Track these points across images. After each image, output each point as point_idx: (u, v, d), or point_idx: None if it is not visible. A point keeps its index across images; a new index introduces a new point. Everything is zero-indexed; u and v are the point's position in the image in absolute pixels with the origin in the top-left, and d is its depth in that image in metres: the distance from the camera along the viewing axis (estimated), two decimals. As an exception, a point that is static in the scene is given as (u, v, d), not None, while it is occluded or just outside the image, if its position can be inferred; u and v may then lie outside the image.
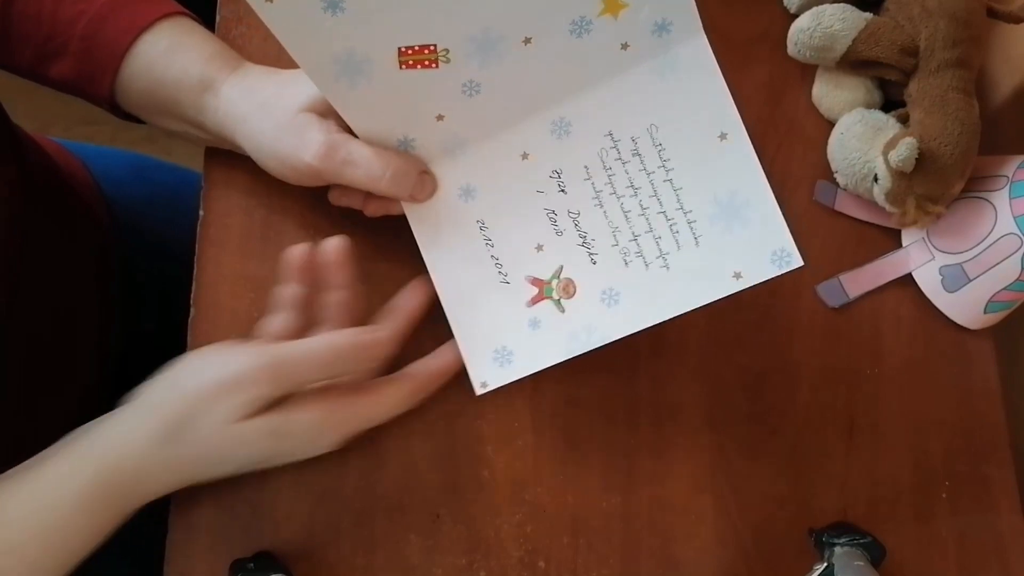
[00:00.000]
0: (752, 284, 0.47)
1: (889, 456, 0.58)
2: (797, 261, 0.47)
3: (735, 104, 0.47)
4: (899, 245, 0.61)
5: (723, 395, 0.58)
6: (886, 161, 0.55)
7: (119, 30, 0.50)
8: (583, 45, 0.47)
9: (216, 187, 0.57)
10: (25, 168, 0.59)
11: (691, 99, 0.48)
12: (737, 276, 0.47)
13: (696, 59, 0.48)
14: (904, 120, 0.59)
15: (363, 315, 0.50)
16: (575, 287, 0.50)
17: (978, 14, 0.58)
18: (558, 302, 0.50)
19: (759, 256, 0.47)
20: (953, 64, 0.57)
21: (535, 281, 0.51)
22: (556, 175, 0.50)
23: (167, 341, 0.54)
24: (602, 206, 0.50)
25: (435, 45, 0.46)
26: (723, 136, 0.48)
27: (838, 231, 0.61)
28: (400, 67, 0.46)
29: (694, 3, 0.46)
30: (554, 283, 0.51)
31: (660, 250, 0.49)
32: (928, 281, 0.59)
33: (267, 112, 0.50)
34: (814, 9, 0.59)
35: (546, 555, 0.54)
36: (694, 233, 0.48)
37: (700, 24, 0.47)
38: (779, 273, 0.47)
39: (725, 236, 0.48)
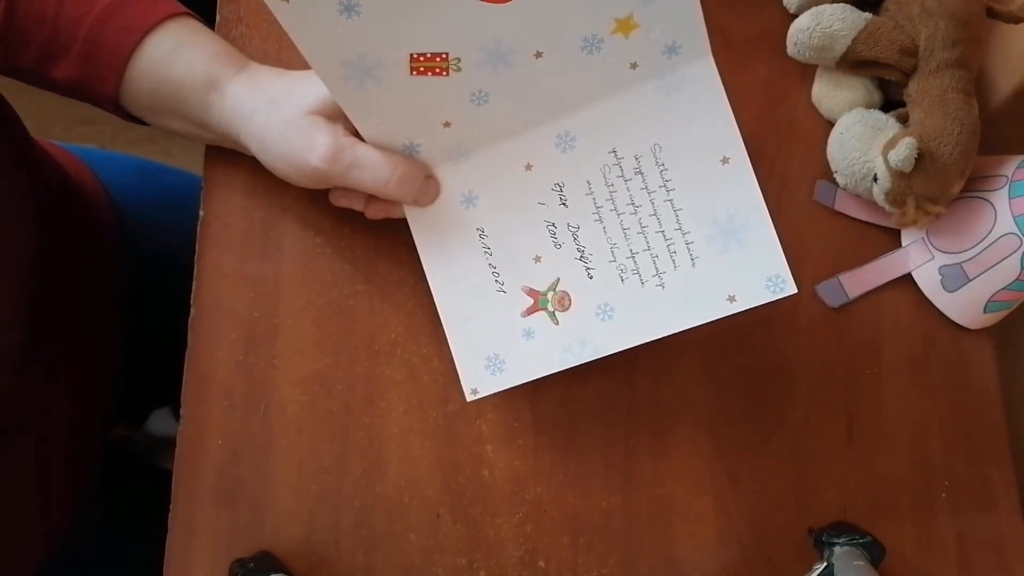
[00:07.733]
0: (745, 308, 0.47)
1: (889, 456, 0.58)
2: (791, 288, 0.47)
3: (737, 122, 0.48)
4: (899, 245, 0.61)
5: (723, 395, 0.58)
6: (886, 161, 0.55)
7: (124, 30, 0.50)
8: (593, 62, 0.47)
9: (216, 188, 0.57)
10: (39, 176, 0.60)
11: (695, 121, 0.48)
12: (731, 299, 0.48)
13: (703, 82, 0.48)
14: (904, 120, 0.59)
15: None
16: (570, 300, 0.50)
17: (978, 14, 0.58)
18: (552, 314, 0.50)
19: (754, 281, 0.47)
20: (953, 64, 0.57)
21: (531, 292, 0.51)
22: (558, 188, 0.51)
23: (168, 341, 0.55)
24: (602, 222, 0.50)
25: (447, 54, 0.46)
26: (725, 160, 0.48)
27: (838, 231, 0.61)
28: (411, 73, 0.46)
29: (704, 26, 0.46)
30: (549, 295, 0.51)
31: (656, 269, 0.49)
32: (928, 281, 0.59)
33: (275, 109, 0.50)
34: (813, 9, 0.59)
35: (546, 555, 0.54)
36: (691, 254, 0.49)
37: (709, 47, 0.47)
38: (772, 299, 0.47)
39: (721, 259, 0.48)
